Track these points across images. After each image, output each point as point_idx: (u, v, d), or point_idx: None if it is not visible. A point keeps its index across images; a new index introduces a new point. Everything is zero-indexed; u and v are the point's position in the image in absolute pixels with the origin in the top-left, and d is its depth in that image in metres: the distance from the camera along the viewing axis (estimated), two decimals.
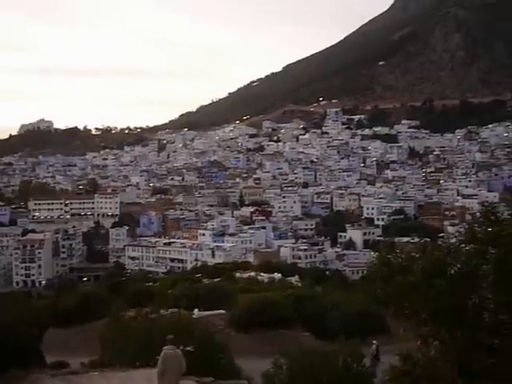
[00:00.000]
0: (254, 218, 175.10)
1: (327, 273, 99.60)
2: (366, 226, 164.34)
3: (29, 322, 20.42)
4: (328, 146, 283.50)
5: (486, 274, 12.72)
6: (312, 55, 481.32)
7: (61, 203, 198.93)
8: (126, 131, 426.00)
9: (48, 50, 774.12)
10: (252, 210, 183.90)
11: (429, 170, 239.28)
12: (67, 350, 27.66)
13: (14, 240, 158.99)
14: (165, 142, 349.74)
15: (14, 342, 17.75)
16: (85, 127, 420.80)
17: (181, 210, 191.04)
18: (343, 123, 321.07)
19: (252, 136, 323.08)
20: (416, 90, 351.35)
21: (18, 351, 17.98)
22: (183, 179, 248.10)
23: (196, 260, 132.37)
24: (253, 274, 73.71)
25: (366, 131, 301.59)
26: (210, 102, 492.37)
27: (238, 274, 72.77)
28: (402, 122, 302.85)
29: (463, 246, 13.06)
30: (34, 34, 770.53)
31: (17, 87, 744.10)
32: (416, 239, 15.45)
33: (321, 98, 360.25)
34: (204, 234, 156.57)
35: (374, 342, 29.74)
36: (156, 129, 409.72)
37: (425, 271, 12.52)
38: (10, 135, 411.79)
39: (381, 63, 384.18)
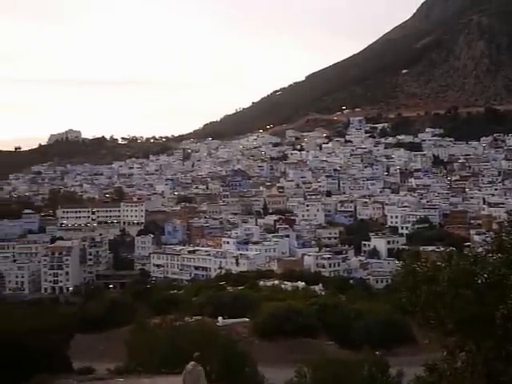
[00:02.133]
0: (278, 226, 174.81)
1: (351, 282, 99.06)
2: (390, 235, 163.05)
3: (56, 329, 20.69)
4: (351, 155, 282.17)
5: None
6: (335, 64, 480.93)
7: (88, 211, 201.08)
8: (152, 141, 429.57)
9: (76, 61, 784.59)
10: (276, 218, 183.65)
11: (454, 178, 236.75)
12: (94, 356, 27.92)
13: (42, 247, 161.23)
14: (189, 151, 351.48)
15: (41, 348, 18.00)
16: (111, 137, 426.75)
17: (205, 218, 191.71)
18: (366, 132, 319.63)
19: (275, 145, 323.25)
20: (440, 98, 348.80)
21: (46, 357, 18.24)
22: (207, 188, 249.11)
23: (220, 268, 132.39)
24: (276, 282, 73.72)
25: (390, 139, 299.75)
26: (234, 111, 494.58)
27: (261, 283, 72.85)
28: (426, 130, 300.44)
29: (490, 255, 12.94)
30: (62, 46, 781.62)
31: (46, 99, 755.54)
32: (441, 248, 15.36)
33: (344, 107, 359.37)
34: (228, 242, 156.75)
35: (377, 353, 29.44)
36: (181, 138, 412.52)
37: (451, 281, 12.43)
38: (40, 145, 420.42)
39: (404, 71, 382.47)
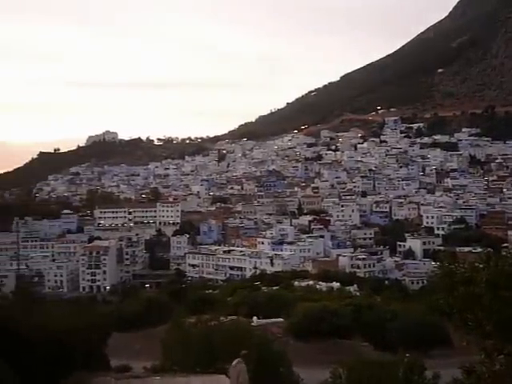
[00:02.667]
0: (313, 226, 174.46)
1: (386, 282, 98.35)
2: (426, 236, 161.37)
3: (95, 327, 21.03)
4: (386, 155, 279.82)
5: None
6: (369, 64, 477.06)
7: (125, 211, 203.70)
8: (187, 141, 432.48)
9: (112, 64, 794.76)
10: (310, 218, 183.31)
11: (491, 179, 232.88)
12: (130, 354, 28.29)
13: (80, 247, 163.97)
14: (224, 151, 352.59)
15: (80, 346, 18.32)
16: (147, 138, 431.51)
17: (240, 218, 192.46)
18: (402, 132, 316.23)
19: (310, 145, 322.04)
20: (477, 97, 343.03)
21: (85, 355, 18.55)
22: (242, 188, 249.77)
23: (255, 268, 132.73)
24: (311, 282, 73.71)
25: (426, 139, 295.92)
26: (269, 112, 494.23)
27: (296, 283, 72.87)
28: (463, 129, 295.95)
29: None
30: (100, 48, 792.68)
31: (83, 100, 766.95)
32: (478, 249, 15.18)
33: (379, 107, 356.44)
34: (263, 243, 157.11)
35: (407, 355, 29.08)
36: (216, 139, 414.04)
37: (490, 282, 12.27)
38: (78, 146, 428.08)
39: (440, 71, 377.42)
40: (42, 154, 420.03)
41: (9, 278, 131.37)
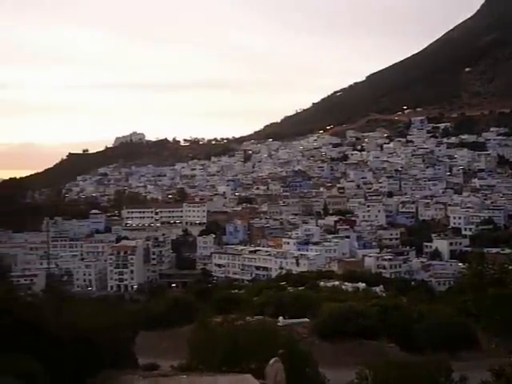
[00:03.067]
0: (338, 227, 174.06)
1: (412, 283, 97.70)
2: (453, 236, 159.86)
3: (123, 325, 21.27)
4: (413, 155, 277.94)
5: None
6: (395, 64, 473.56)
7: (151, 212, 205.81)
8: (213, 142, 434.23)
9: (139, 65, 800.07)
10: (336, 219, 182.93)
11: None
12: (157, 353, 28.53)
13: (108, 246, 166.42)
14: (250, 152, 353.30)
15: (109, 344, 18.55)
16: (174, 139, 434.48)
17: (266, 218, 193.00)
18: (428, 131, 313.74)
19: (336, 145, 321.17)
20: (505, 97, 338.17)
21: (113, 353, 18.78)
22: (268, 188, 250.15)
23: (280, 268, 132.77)
24: (337, 283, 73.44)
25: (453, 139, 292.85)
26: (294, 112, 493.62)
27: (322, 283, 72.68)
28: (491, 129, 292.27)
29: None
30: (126, 50, 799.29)
31: (111, 102, 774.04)
32: (507, 250, 15.02)
33: (405, 107, 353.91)
34: (288, 243, 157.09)
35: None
36: (242, 139, 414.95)
37: None
38: (106, 147, 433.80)
39: (467, 70, 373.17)
40: (70, 155, 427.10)
41: (39, 276, 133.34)
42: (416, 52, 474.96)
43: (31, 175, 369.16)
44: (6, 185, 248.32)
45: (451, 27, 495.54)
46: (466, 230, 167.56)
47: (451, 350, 31.22)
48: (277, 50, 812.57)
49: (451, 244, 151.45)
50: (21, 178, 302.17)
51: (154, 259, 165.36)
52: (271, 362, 16.71)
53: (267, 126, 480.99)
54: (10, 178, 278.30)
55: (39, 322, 16.89)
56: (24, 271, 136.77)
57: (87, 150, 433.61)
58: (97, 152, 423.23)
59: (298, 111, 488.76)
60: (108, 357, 18.29)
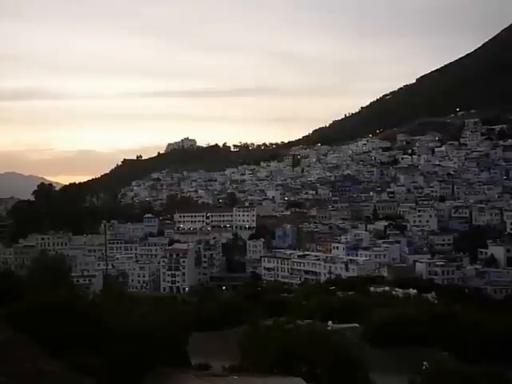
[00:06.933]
0: (388, 232, 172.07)
1: (466, 291, 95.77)
2: (510, 243, 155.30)
3: (177, 325, 21.79)
4: (466, 158, 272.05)
5: None
6: (447, 65, 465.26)
7: (203, 216, 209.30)
8: (262, 147, 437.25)
9: (189, 73, 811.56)
10: (386, 223, 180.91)
11: None
12: (209, 353, 28.93)
13: (161, 249, 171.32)
14: (299, 157, 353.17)
15: (164, 342, 19.10)
16: (224, 144, 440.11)
17: (314, 223, 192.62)
18: (483, 134, 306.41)
19: (386, 149, 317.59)
20: None
21: (168, 351, 19.31)
22: (317, 193, 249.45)
23: (330, 273, 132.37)
24: (387, 288, 72.73)
25: (509, 142, 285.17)
26: (343, 116, 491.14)
27: (371, 288, 72.13)
28: None
29: None
30: (174, 58, 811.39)
31: (164, 110, 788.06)
32: None
33: (457, 109, 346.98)
34: (337, 248, 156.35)
35: (424, 363, 28.41)
36: (290, 144, 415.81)
37: None
38: (159, 153, 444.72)
39: None
40: (125, 160, 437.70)
41: (97, 277, 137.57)
42: (469, 52, 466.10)
43: (89, 180, 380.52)
44: (66, 190, 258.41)
45: (505, 26, 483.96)
46: None
47: (508, 361, 30.47)
48: (326, 56, 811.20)
49: (508, 251, 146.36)
50: (80, 183, 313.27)
51: (205, 262, 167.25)
52: None
53: (316, 130, 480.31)
54: (71, 184, 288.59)
55: (101, 320, 17.61)
56: (83, 272, 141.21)
57: (141, 156, 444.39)
58: (150, 158, 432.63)
59: (347, 115, 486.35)
60: (162, 355, 18.82)
